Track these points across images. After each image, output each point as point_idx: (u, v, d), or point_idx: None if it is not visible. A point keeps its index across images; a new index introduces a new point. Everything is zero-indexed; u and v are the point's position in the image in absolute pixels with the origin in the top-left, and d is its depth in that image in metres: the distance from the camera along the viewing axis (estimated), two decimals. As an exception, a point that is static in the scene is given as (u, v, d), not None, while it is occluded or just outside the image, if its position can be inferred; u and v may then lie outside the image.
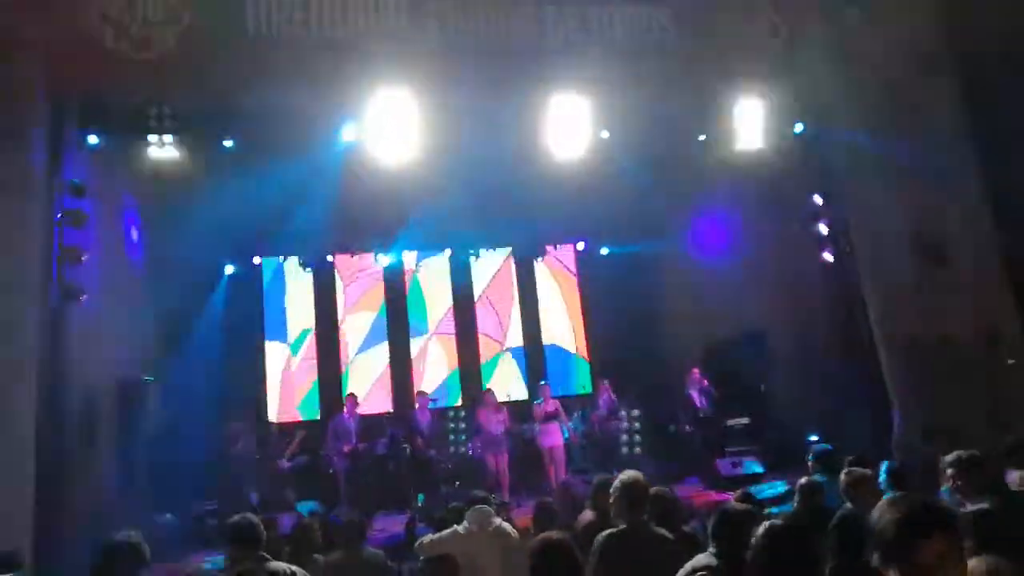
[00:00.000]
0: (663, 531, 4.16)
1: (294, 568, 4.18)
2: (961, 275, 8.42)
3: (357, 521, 5.36)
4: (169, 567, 6.85)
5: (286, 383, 13.28)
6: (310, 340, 13.54)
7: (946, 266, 8.40)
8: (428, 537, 5.21)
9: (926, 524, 1.97)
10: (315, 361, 13.43)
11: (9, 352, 6.91)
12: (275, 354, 13.34)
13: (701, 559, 3.34)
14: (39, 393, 7.06)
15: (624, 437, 11.26)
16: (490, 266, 14.70)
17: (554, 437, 10.65)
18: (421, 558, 5.21)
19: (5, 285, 6.99)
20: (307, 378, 13.38)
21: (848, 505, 4.64)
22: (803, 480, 5.59)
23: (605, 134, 9.65)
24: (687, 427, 11.17)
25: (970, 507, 4.01)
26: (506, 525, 5.11)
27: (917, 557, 1.92)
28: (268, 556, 4.18)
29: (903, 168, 8.62)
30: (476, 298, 14.44)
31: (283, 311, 13.59)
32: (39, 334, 7.21)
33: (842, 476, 4.84)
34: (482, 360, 14.15)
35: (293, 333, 13.54)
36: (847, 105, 9.25)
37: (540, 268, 14.90)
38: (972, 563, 2.81)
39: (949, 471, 4.48)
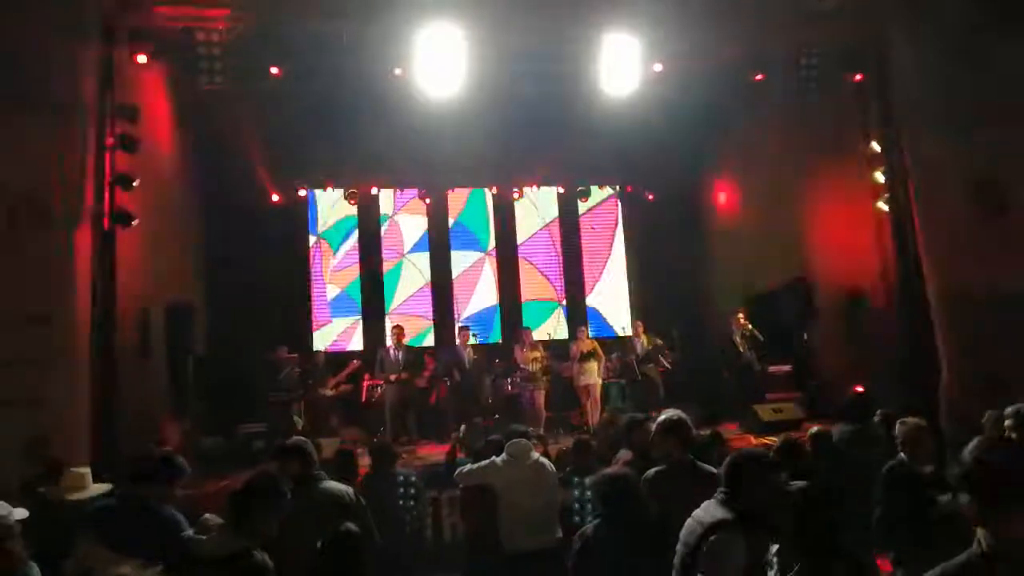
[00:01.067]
0: (709, 467, 4.16)
1: (346, 487, 4.30)
2: (1019, 226, 8.10)
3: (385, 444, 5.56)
4: (216, 484, 7.08)
5: (327, 310, 13.49)
6: (355, 270, 13.68)
7: (1006, 216, 8.09)
8: (468, 467, 5.29)
9: None
10: (359, 290, 13.60)
11: (63, 275, 7.06)
12: (320, 282, 13.51)
13: (713, 511, 3.12)
14: (92, 315, 7.24)
15: (663, 379, 11.23)
16: (536, 206, 14.62)
17: (591, 376, 10.71)
18: (460, 486, 5.32)
19: (59, 209, 7.11)
20: (352, 306, 13.58)
21: (901, 456, 4.57)
22: (814, 429, 5.58)
23: (658, 67, 9.40)
24: (727, 372, 11.11)
25: None
26: (544, 459, 5.17)
27: None
28: (323, 475, 4.31)
29: (966, 114, 8.26)
30: (518, 238, 14.42)
31: (329, 241, 13.71)
32: (91, 258, 7.35)
33: (897, 426, 4.76)
34: (523, 299, 14.22)
35: (338, 261, 13.69)
36: (909, 49, 8.86)
37: (584, 208, 14.78)
38: None
39: (1008, 422, 4.41)
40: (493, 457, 5.10)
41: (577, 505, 5.19)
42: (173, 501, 3.80)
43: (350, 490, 4.34)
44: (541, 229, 14.61)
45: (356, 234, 13.82)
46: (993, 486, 1.99)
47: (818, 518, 2.96)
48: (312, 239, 13.63)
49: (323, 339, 13.19)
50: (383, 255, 13.84)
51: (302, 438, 4.53)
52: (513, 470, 4.90)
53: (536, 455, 5.09)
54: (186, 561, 2.95)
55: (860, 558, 2.95)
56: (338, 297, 13.59)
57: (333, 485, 4.29)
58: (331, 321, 13.45)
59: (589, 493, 4.74)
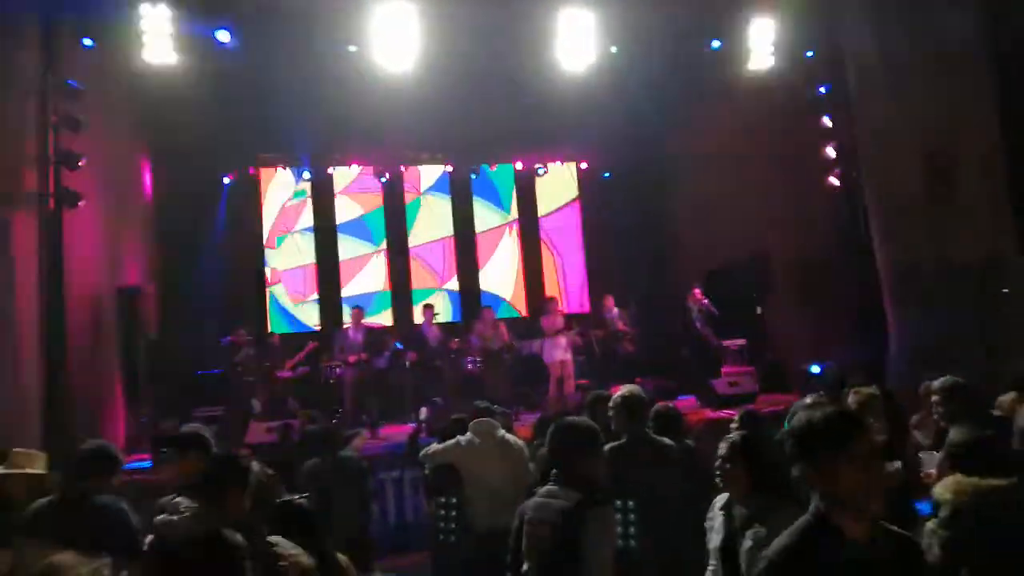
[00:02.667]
0: (665, 440, 4.22)
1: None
2: (967, 198, 8.31)
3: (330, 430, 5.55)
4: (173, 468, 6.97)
5: (285, 290, 13.34)
6: (309, 249, 13.53)
7: (954, 189, 8.28)
8: (433, 447, 5.28)
9: (857, 420, 2.14)
10: (314, 271, 13.47)
11: (7, 259, 6.86)
12: (274, 263, 13.35)
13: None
14: (40, 300, 7.05)
15: (622, 354, 11.33)
16: (492, 181, 14.59)
17: (564, 351, 10.72)
18: (426, 467, 5.31)
19: (1, 190, 6.88)
20: (307, 287, 13.45)
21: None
22: (808, 399, 5.65)
23: (613, 49, 9.40)
24: (684, 347, 11.27)
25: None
26: (510, 436, 5.18)
27: (855, 446, 2.01)
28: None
29: (916, 89, 8.42)
30: (474, 214, 14.39)
31: (281, 221, 13.52)
32: (37, 240, 7.15)
33: (850, 395, 4.87)
34: (482, 277, 14.22)
35: (291, 242, 13.52)
36: (860, 25, 8.98)
37: (541, 184, 14.78)
38: (948, 480, 3.04)
39: (934, 397, 4.53)
40: (458, 437, 5.09)
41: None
42: (113, 491, 3.76)
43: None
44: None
45: (310, 213, 13.63)
46: (805, 441, 2.06)
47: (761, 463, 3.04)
48: (266, 219, 13.41)
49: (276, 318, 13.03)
50: (337, 234, 13.70)
51: (198, 425, 4.42)
52: (478, 449, 4.91)
53: (502, 432, 5.10)
54: (159, 544, 2.92)
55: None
56: (292, 275, 13.43)
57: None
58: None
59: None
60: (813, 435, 2.05)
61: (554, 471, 3.20)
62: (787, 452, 2.12)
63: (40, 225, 7.20)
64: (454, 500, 4.69)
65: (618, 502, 3.27)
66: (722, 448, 3.15)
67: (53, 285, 7.25)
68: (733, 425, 5.42)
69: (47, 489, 4.23)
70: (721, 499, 3.22)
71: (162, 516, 3.02)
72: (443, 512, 4.64)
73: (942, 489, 2.98)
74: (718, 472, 3.15)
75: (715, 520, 3.20)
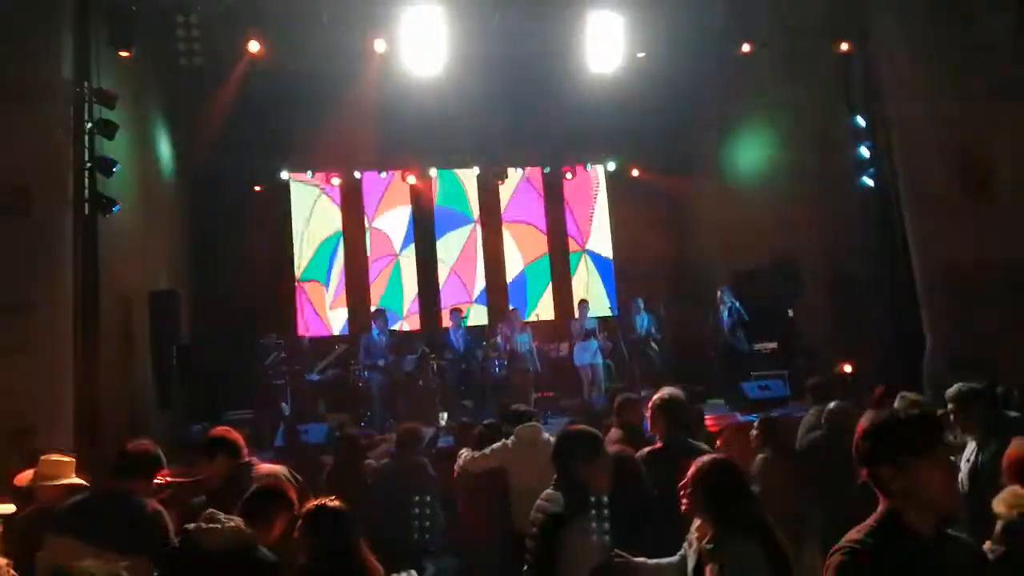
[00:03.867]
0: (704, 446, 4.17)
1: (276, 467, 4.28)
2: (1005, 197, 8.13)
3: (412, 429, 5.55)
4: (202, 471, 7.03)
5: (315, 296, 13.41)
6: (339, 254, 13.60)
7: (991, 187, 8.11)
8: (472, 454, 5.25)
9: (941, 424, 2.16)
10: (343, 276, 13.53)
11: (45, 262, 6.96)
12: (303, 268, 13.43)
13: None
14: (74, 302, 7.15)
15: (651, 357, 11.27)
16: (520, 185, 14.58)
17: (592, 355, 10.70)
18: (459, 471, 5.29)
19: (38, 195, 6.99)
20: (336, 291, 13.50)
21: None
22: (832, 405, 5.57)
23: (641, 55, 9.35)
24: (713, 350, 11.15)
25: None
26: (553, 440, 5.16)
27: (940, 449, 2.03)
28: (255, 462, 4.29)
29: (950, 87, 8.28)
30: (502, 218, 14.38)
31: (310, 226, 13.61)
32: (74, 245, 7.25)
33: (897, 402, 4.77)
34: (509, 280, 14.21)
35: (319, 247, 13.60)
36: (893, 22, 8.84)
37: (568, 187, 14.75)
38: (1006, 493, 2.93)
39: (949, 405, 4.42)
40: (504, 440, 5.08)
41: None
42: (150, 494, 3.76)
43: (285, 470, 4.27)
44: (521, 207, 14.59)
45: (339, 218, 13.72)
46: (889, 440, 2.03)
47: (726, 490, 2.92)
48: (296, 223, 13.51)
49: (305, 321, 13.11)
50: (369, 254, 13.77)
51: (226, 428, 4.45)
52: (524, 453, 4.88)
53: (545, 436, 5.09)
54: (190, 552, 2.93)
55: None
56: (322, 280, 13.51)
57: (268, 467, 4.26)
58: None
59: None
60: (900, 435, 2.02)
61: (554, 476, 3.24)
62: (861, 452, 2.08)
63: (76, 229, 7.30)
64: (428, 498, 4.70)
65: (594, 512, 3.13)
66: (690, 471, 2.99)
67: (88, 288, 7.34)
68: (753, 432, 5.38)
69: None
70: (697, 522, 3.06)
71: (199, 524, 3.02)
72: (418, 511, 4.61)
73: (997, 502, 2.89)
74: (682, 495, 2.97)
75: (691, 540, 3.02)
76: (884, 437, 2.04)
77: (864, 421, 2.12)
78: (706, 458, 3.06)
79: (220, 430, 4.40)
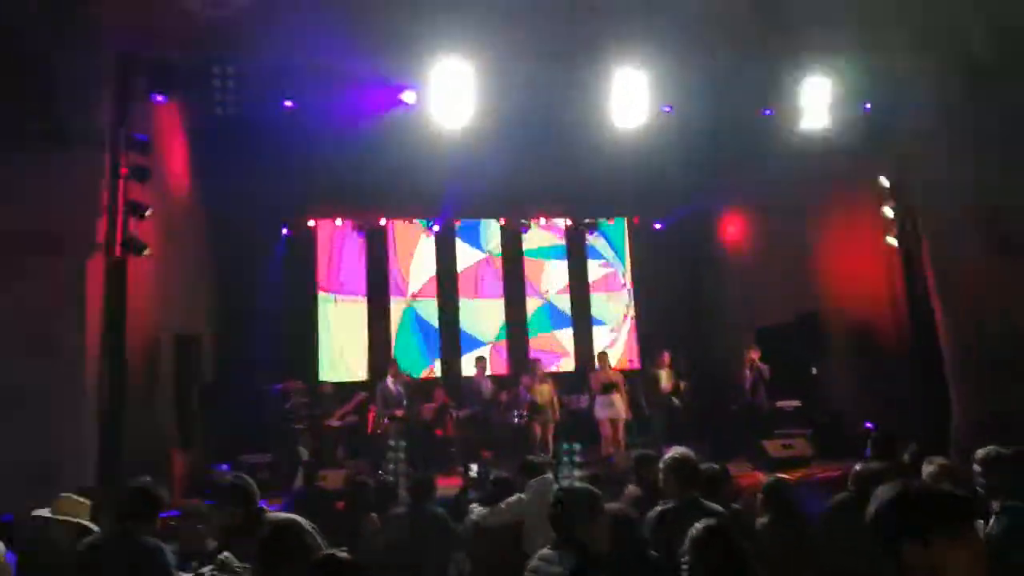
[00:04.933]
0: (717, 507, 4.11)
1: (294, 517, 4.23)
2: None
3: (425, 479, 5.50)
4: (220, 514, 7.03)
5: (337, 342, 13.49)
6: (363, 303, 13.72)
7: (1017, 252, 8.05)
8: (484, 510, 5.22)
9: (976, 507, 1.99)
10: (366, 323, 13.62)
11: (75, 302, 7.11)
12: (328, 314, 13.55)
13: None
14: (102, 342, 7.27)
15: (674, 412, 11.18)
16: (542, 236, 14.69)
17: (615, 408, 10.62)
18: (480, 525, 5.24)
19: (70, 236, 7.17)
20: (358, 337, 13.58)
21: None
22: (859, 466, 5.46)
23: (666, 108, 9.46)
24: (734, 406, 11.05)
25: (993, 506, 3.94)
26: None
27: (973, 534, 1.88)
28: (264, 509, 4.26)
29: (975, 148, 8.28)
30: (525, 267, 14.48)
31: (338, 272, 13.77)
32: (103, 286, 7.40)
33: (926, 466, 4.69)
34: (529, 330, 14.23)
35: (347, 293, 13.73)
36: (920, 83, 8.90)
37: (592, 240, 14.84)
38: None
39: (976, 467, 4.33)
40: (518, 495, 5.06)
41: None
42: (154, 532, 3.82)
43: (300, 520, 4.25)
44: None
45: (365, 265, 13.89)
46: (920, 516, 1.87)
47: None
48: (320, 270, 13.69)
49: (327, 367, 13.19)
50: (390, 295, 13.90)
51: (240, 475, 4.39)
52: (540, 507, 4.84)
53: (557, 487, 5.05)
54: None
55: None
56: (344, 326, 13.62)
57: (281, 516, 4.22)
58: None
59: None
60: (933, 509, 1.87)
61: (553, 536, 3.18)
62: (883, 522, 1.93)
63: (106, 271, 7.46)
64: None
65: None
66: (688, 538, 2.97)
67: (115, 329, 7.46)
68: (760, 495, 5.28)
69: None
70: None
71: (210, 568, 3.04)
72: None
73: None
74: (683, 566, 2.94)
75: None
76: (914, 509, 1.89)
77: (892, 489, 1.97)
78: (700, 526, 2.99)
79: (233, 478, 4.37)
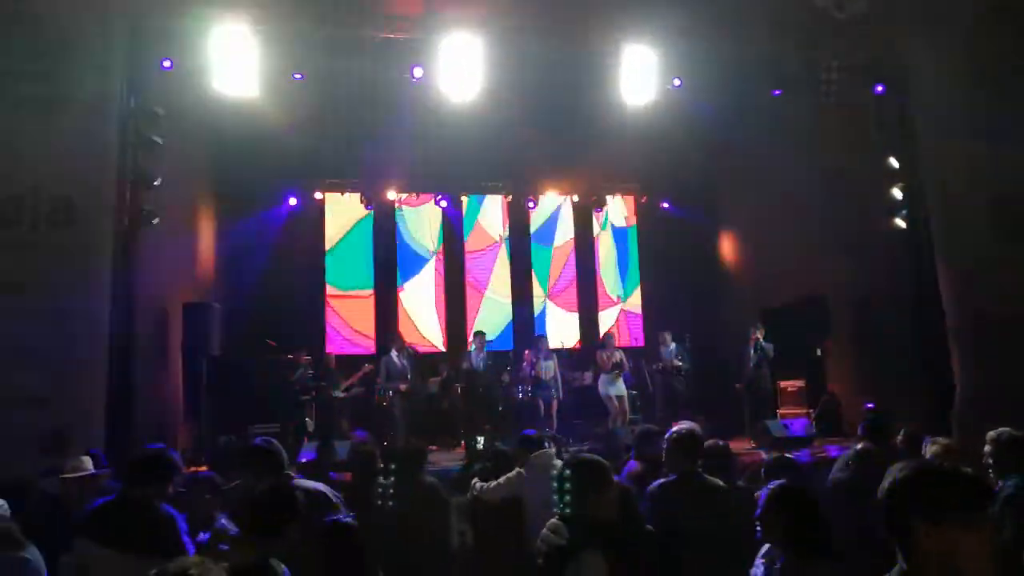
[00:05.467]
0: (718, 481, 4.15)
1: (319, 485, 4.28)
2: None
3: (417, 449, 5.52)
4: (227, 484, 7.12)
5: (345, 315, 13.56)
6: (368, 274, 13.77)
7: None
8: (485, 484, 5.26)
9: (990, 490, 1.95)
10: (373, 295, 13.68)
11: (84, 272, 7.16)
12: (334, 285, 13.61)
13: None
14: (111, 312, 7.33)
15: (678, 389, 11.23)
16: (548, 213, 14.68)
17: (620, 386, 10.73)
18: (481, 499, 5.28)
19: (80, 206, 7.21)
20: (365, 310, 13.66)
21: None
22: (859, 446, 5.50)
23: (676, 81, 9.41)
24: (739, 385, 11.09)
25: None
26: None
27: (984, 516, 1.85)
28: (292, 475, 4.29)
29: (986, 131, 8.23)
30: (531, 243, 14.48)
31: (344, 246, 13.81)
32: (112, 255, 7.44)
33: (929, 447, 4.73)
34: (535, 307, 14.26)
35: (352, 267, 13.79)
36: (930, 64, 8.83)
37: (598, 218, 14.82)
38: None
39: (987, 447, 4.36)
40: (518, 469, 5.09)
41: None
42: (165, 498, 3.83)
43: (325, 488, 4.27)
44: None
45: (371, 238, 13.93)
46: (932, 497, 1.83)
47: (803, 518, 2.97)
48: (328, 242, 13.73)
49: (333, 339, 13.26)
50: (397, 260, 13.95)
51: (271, 440, 4.42)
52: (538, 481, 4.90)
53: (557, 462, 5.11)
54: None
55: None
56: (351, 298, 13.69)
57: (310, 484, 4.23)
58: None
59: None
60: (946, 489, 1.83)
61: (561, 506, 3.21)
62: (896, 501, 1.89)
63: (115, 241, 7.50)
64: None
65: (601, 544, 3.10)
66: (762, 497, 3.11)
67: (124, 299, 7.52)
68: (763, 472, 5.34)
69: (102, 489, 4.39)
70: (766, 547, 3.17)
71: (208, 536, 3.08)
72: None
73: None
74: (757, 522, 3.11)
75: (757, 569, 3.14)
76: (932, 488, 1.84)
77: (908, 467, 1.92)
78: (776, 485, 3.12)
79: (261, 441, 4.41)
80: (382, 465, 5.04)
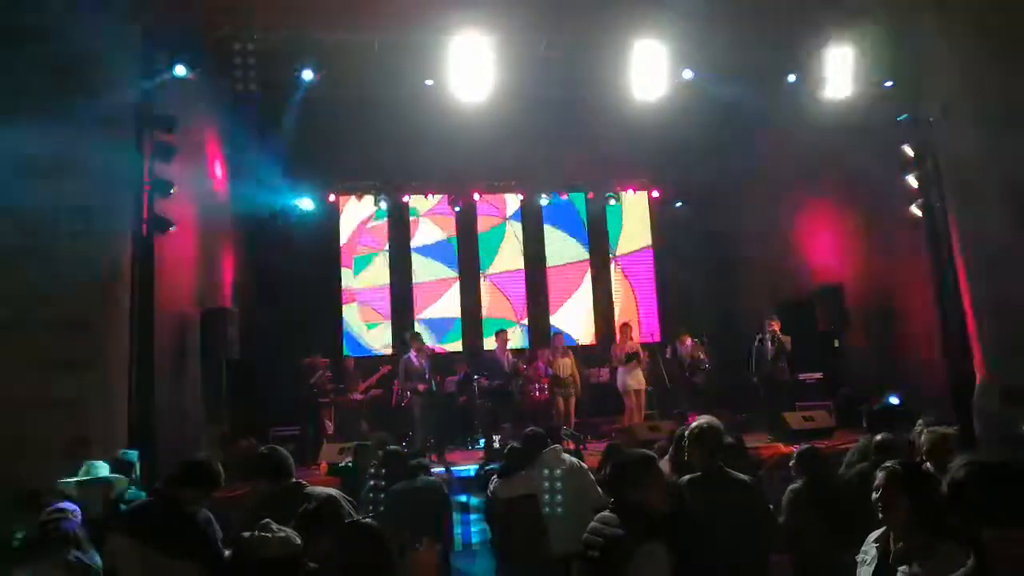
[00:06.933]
0: (741, 475, 4.14)
1: (330, 490, 4.29)
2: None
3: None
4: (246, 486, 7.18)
5: (361, 316, 13.62)
6: (383, 275, 13.82)
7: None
8: (499, 483, 5.29)
9: None
10: (387, 296, 13.73)
11: (104, 279, 7.23)
12: (350, 285, 13.67)
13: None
14: (131, 319, 7.40)
15: (696, 384, 11.21)
16: (563, 210, 14.68)
17: (638, 376, 10.72)
18: (497, 497, 5.31)
19: (99, 215, 7.27)
20: (380, 310, 13.71)
21: (927, 466, 4.50)
22: (879, 437, 5.48)
23: (688, 74, 9.38)
24: (756, 378, 11.04)
25: None
26: (574, 460, 5.19)
27: None
28: (304, 483, 4.32)
29: (1002, 117, 8.14)
30: (547, 243, 14.47)
31: (358, 243, 13.87)
32: (131, 263, 7.52)
33: (923, 435, 4.69)
34: (552, 307, 14.25)
35: (367, 269, 13.84)
36: (944, 49, 8.74)
37: (614, 213, 14.80)
38: None
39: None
40: (527, 468, 5.12)
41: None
42: (203, 503, 3.90)
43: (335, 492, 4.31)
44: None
45: (386, 237, 13.98)
46: (1002, 498, 1.78)
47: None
48: (343, 245, 13.79)
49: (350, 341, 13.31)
50: (411, 260, 13.98)
51: (279, 448, 4.44)
52: (547, 478, 4.93)
53: (568, 459, 5.12)
54: (242, 558, 3.03)
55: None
56: (367, 297, 13.75)
57: (315, 489, 4.29)
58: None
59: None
60: (1010, 499, 1.77)
61: (611, 500, 3.25)
62: (961, 503, 1.86)
63: (134, 248, 7.57)
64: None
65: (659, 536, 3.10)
66: (879, 477, 2.95)
67: (144, 305, 7.59)
68: (792, 463, 5.33)
69: (120, 494, 4.46)
70: (876, 531, 3.03)
71: (253, 532, 3.12)
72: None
73: None
74: (877, 503, 2.93)
75: (868, 553, 3.01)
76: (1000, 494, 1.78)
77: (962, 468, 1.86)
78: (895, 464, 2.96)
79: (266, 450, 4.43)
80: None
